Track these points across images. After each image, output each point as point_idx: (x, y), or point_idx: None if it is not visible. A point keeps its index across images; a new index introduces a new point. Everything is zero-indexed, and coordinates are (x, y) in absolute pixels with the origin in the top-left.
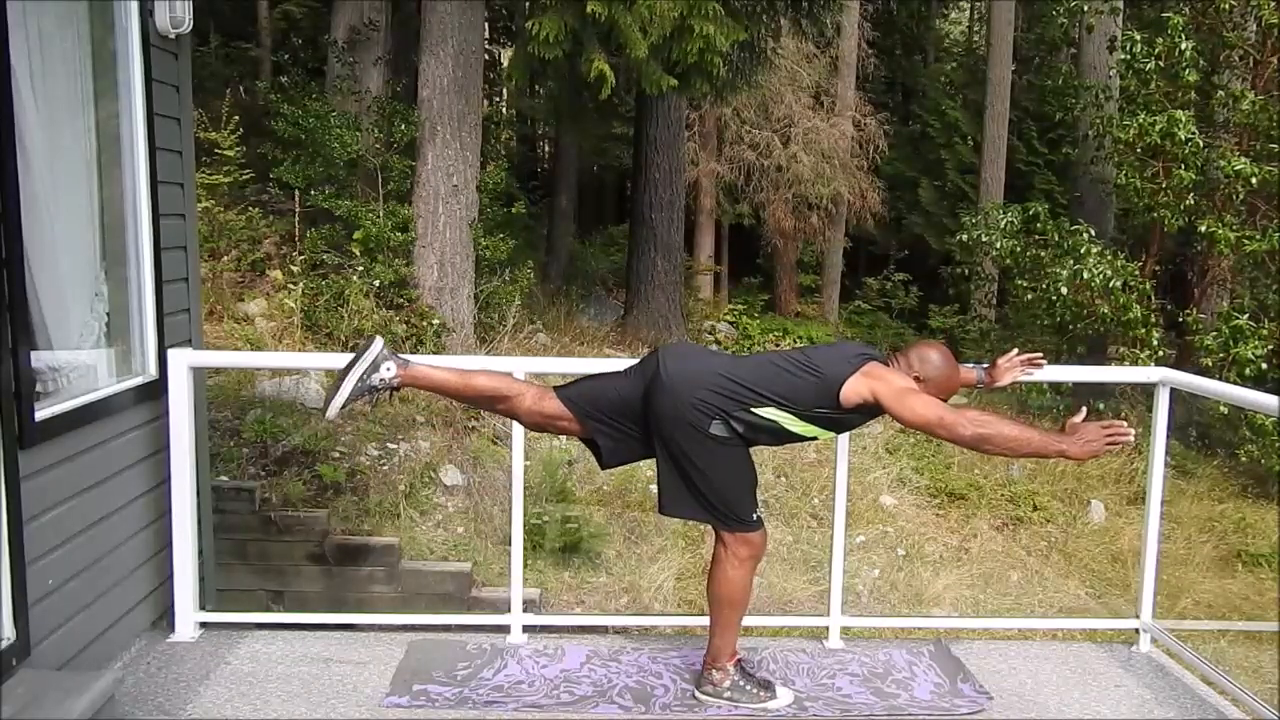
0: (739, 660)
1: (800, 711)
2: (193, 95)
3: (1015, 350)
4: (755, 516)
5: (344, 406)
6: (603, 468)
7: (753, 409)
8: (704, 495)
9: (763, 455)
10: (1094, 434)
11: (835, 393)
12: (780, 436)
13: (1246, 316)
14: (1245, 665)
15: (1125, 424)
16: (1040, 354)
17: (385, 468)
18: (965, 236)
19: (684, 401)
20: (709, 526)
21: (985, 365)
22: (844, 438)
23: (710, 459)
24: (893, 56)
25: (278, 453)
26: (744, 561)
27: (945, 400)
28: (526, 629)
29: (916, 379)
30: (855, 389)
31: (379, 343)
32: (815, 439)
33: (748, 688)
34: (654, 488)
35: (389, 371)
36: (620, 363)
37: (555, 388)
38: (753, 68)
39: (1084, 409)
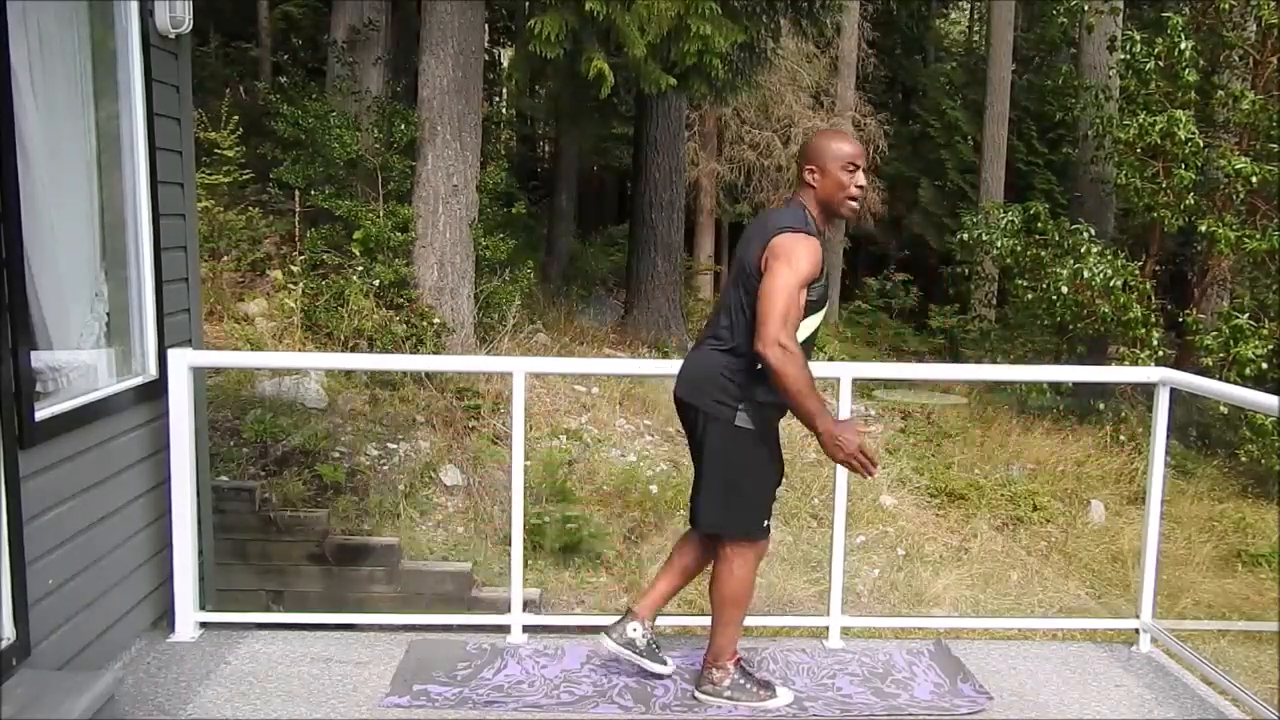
0: (739, 660)
1: (800, 711)
2: (193, 95)
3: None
4: (766, 525)
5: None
6: None
7: (751, 372)
8: (734, 498)
9: None
10: (849, 441)
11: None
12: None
13: (1246, 316)
14: (1245, 665)
15: (876, 465)
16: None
17: (385, 468)
18: (965, 236)
19: (707, 407)
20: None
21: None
22: None
23: (744, 459)
24: (893, 56)
25: (278, 453)
26: (748, 560)
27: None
28: (526, 629)
29: (812, 170)
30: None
31: (612, 643)
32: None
33: (748, 687)
34: (655, 488)
35: (635, 631)
36: (620, 363)
37: None
38: (752, 68)
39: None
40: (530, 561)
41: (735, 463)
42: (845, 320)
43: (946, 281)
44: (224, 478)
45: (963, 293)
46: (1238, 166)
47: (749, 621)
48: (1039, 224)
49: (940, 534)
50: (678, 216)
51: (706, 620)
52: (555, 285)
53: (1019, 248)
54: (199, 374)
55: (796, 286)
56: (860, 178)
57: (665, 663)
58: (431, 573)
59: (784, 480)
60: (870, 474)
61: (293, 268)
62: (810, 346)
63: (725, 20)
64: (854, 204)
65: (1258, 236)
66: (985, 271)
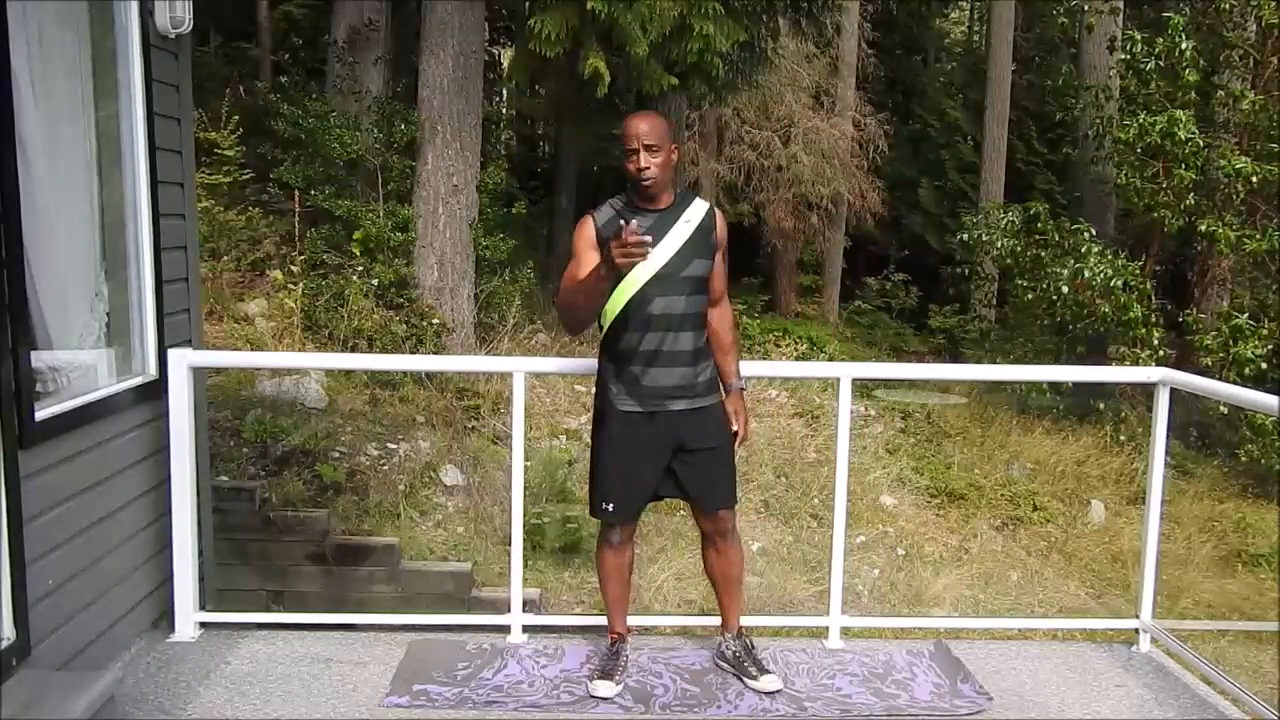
0: (615, 639)
1: (800, 711)
2: (193, 95)
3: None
4: (604, 507)
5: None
6: None
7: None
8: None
9: (763, 455)
10: (616, 250)
11: None
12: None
13: (1246, 316)
14: (1245, 665)
15: (642, 243)
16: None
17: (385, 468)
18: (965, 236)
19: None
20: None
21: (742, 387)
22: (844, 439)
23: (595, 440)
24: (893, 56)
25: (278, 453)
26: (599, 539)
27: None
28: (526, 629)
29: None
30: None
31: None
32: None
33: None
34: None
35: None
36: None
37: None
38: (753, 68)
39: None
40: (530, 561)
41: (591, 442)
42: (845, 320)
43: (946, 282)
44: (224, 478)
45: (963, 293)
46: (1238, 166)
47: (749, 621)
48: (1039, 224)
49: (940, 534)
50: None
51: (706, 620)
52: (555, 285)
53: (1019, 248)
54: (199, 374)
55: (571, 265)
56: (641, 158)
57: (756, 675)
58: (431, 573)
59: (784, 479)
60: (636, 251)
61: (293, 268)
62: (641, 318)
63: (727, 20)
64: (640, 180)
65: (1258, 236)
66: (985, 271)
